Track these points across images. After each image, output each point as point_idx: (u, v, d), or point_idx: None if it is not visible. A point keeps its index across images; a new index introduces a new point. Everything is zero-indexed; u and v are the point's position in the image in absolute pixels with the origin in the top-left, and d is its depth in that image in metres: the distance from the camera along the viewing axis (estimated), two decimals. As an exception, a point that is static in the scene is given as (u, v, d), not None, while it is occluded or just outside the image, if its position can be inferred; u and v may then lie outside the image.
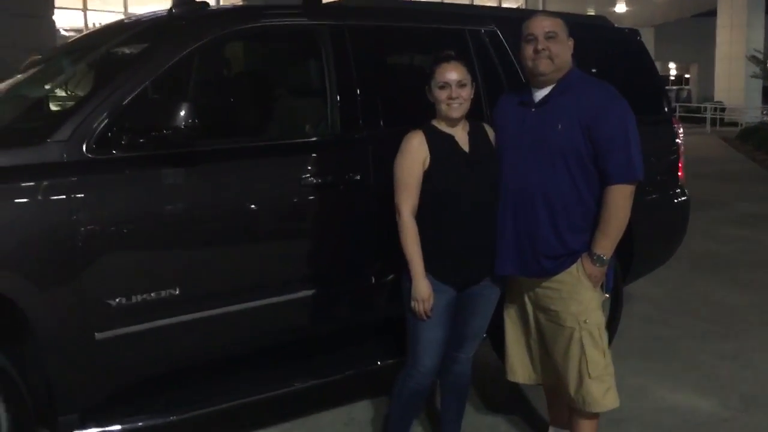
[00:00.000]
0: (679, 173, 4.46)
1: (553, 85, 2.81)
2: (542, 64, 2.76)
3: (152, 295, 2.71)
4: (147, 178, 2.74)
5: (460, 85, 2.82)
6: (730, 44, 27.35)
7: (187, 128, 2.60)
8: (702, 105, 28.13)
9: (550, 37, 2.75)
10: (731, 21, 27.56)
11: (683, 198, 4.49)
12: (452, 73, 2.82)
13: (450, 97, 2.81)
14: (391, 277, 3.23)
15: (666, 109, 4.47)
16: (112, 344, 2.67)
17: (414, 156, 2.82)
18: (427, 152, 2.82)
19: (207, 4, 3.17)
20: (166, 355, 2.86)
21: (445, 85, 2.81)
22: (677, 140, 4.44)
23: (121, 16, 18.17)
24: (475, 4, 20.56)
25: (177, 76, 2.93)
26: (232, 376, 3.12)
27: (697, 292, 5.74)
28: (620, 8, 28.98)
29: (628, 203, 2.75)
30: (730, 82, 27.61)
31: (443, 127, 2.89)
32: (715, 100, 27.81)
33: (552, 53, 2.75)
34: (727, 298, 5.61)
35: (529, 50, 2.79)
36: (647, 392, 3.85)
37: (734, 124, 24.85)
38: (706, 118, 25.19)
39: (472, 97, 2.87)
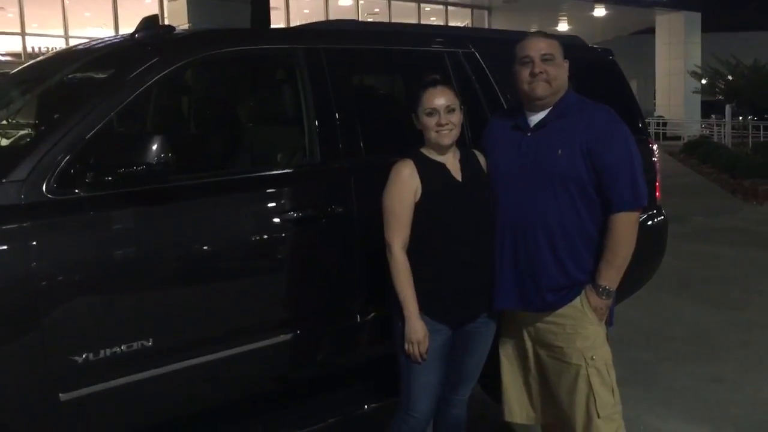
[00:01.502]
0: (657, 193, 4.39)
1: (549, 109, 2.68)
2: (540, 87, 2.62)
3: (123, 348, 2.44)
4: (115, 219, 2.48)
5: (449, 110, 2.66)
6: (669, 61, 28.18)
7: (159, 163, 2.37)
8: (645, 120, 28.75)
9: (546, 59, 2.62)
10: (670, 39, 28.42)
11: (661, 218, 4.42)
12: (440, 99, 2.67)
13: (439, 124, 2.65)
14: (375, 315, 3.03)
15: (641, 129, 4.40)
16: (80, 405, 2.40)
17: (405, 187, 2.64)
18: (419, 182, 2.65)
19: (172, 27, 2.94)
20: (138, 413, 2.59)
21: (433, 112, 2.65)
22: (653, 159, 4.37)
23: (62, 41, 17.57)
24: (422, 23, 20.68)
25: (143, 107, 2.69)
26: (205, 429, 2.87)
27: (671, 312, 5.70)
28: (562, 27, 29.59)
29: (634, 231, 2.63)
30: (670, 98, 28.41)
31: (433, 155, 2.72)
32: (656, 114, 28.52)
33: (549, 76, 2.62)
34: (701, 317, 5.58)
35: (525, 73, 2.65)
36: (638, 421, 3.72)
37: (677, 138, 25.47)
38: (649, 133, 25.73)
39: (461, 122, 2.71)
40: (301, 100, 2.99)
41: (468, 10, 23.93)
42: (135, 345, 2.47)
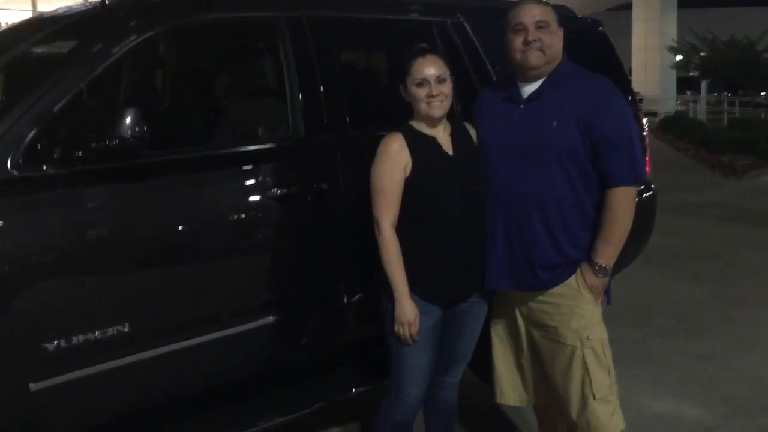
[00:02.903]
0: (646, 167, 4.31)
1: (543, 79, 2.56)
2: (533, 56, 2.50)
3: (97, 334, 2.31)
4: (86, 197, 2.33)
5: (440, 80, 2.53)
6: (645, 37, 28.16)
7: (134, 137, 2.21)
8: (621, 96, 28.80)
9: (540, 26, 2.49)
10: (646, 15, 28.38)
11: (650, 193, 4.35)
12: (430, 68, 2.53)
13: (430, 95, 2.52)
14: (363, 295, 2.92)
15: (631, 101, 4.30)
16: (51, 395, 2.26)
17: (394, 162, 2.51)
18: (409, 157, 2.52)
19: (146, -6, 2.76)
20: (115, 402, 2.46)
21: (423, 82, 2.52)
22: (644, 133, 4.28)
23: (30, 14, 17.04)
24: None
25: (115, 79, 2.53)
26: (187, 417, 2.75)
27: (657, 288, 5.66)
28: (538, 2, 29.44)
29: (631, 207, 2.53)
30: (646, 74, 28.44)
31: (423, 128, 2.60)
32: (632, 90, 28.57)
33: (543, 44, 2.49)
34: (688, 292, 5.55)
35: (517, 41, 2.52)
36: (629, 401, 3.63)
37: (653, 114, 25.56)
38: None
39: (452, 93, 2.58)
40: (283, 71, 2.84)
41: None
42: (110, 331, 2.33)
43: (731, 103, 20.63)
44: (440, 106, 2.54)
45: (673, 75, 27.22)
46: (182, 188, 2.52)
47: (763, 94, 21.16)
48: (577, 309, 2.57)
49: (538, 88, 2.56)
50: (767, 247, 6.93)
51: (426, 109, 2.54)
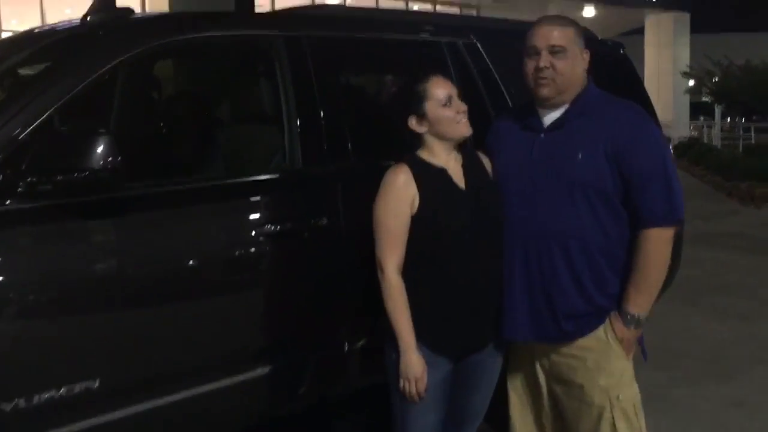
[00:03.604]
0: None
1: (566, 106, 2.29)
2: (543, 86, 2.24)
3: (63, 391, 2.03)
4: (52, 234, 2.08)
5: (459, 97, 2.33)
6: (658, 62, 27.96)
7: (106, 169, 1.96)
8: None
9: (555, 51, 2.23)
10: (658, 39, 28.22)
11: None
12: (449, 87, 2.33)
13: (458, 112, 2.30)
14: (367, 341, 2.64)
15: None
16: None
17: (400, 197, 2.25)
18: (416, 191, 2.26)
19: (131, 10, 2.53)
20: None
21: (448, 100, 2.29)
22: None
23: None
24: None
25: (93, 102, 2.28)
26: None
27: (680, 326, 5.33)
28: (551, 27, 29.36)
29: (667, 250, 2.25)
30: (659, 99, 28.16)
31: (432, 158, 2.34)
32: (645, 116, 28.32)
33: (556, 72, 2.23)
34: (713, 330, 5.23)
35: (530, 67, 2.27)
36: (657, 455, 3.35)
37: (666, 139, 25.28)
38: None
39: None
40: (280, 94, 2.60)
41: (456, 9, 23.61)
42: (78, 387, 2.06)
43: (746, 129, 20.30)
44: (468, 124, 2.33)
45: (686, 100, 26.97)
46: (163, 225, 2.26)
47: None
48: (606, 364, 2.29)
49: (561, 116, 2.30)
50: (792, 281, 6.61)
51: (456, 129, 2.32)
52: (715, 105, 21.87)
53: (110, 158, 1.95)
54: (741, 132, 19.96)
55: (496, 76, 3.15)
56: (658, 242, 2.22)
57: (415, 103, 2.31)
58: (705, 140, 21.14)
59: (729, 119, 23.51)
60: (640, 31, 29.57)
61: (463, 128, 2.32)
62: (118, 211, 2.14)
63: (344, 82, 2.96)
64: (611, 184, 2.23)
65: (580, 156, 2.23)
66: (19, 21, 18.04)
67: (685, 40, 28.00)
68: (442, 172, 2.33)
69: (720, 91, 19.42)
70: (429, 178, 2.30)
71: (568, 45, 2.25)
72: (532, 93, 2.33)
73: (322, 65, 2.63)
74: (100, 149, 1.94)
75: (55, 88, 2.13)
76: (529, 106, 2.41)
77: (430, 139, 2.34)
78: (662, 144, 2.27)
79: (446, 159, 2.35)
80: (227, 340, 2.38)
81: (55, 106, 2.09)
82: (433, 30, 3.10)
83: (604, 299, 2.29)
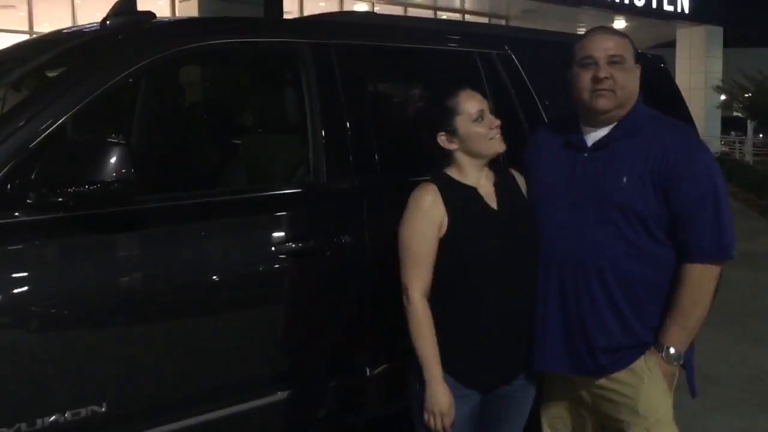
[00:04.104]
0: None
1: (613, 124, 2.14)
2: (602, 99, 2.08)
3: (68, 416, 1.92)
4: (63, 248, 1.98)
5: (491, 112, 2.20)
6: (690, 75, 27.50)
7: (119, 181, 1.85)
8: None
9: (614, 62, 2.08)
10: (690, 53, 27.79)
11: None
12: (480, 101, 2.19)
13: (491, 128, 2.16)
14: (389, 365, 2.51)
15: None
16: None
17: (427, 218, 2.11)
18: (444, 212, 2.12)
19: (152, 14, 2.43)
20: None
21: (480, 115, 2.16)
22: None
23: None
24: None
25: (110, 110, 2.18)
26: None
27: (715, 350, 5.11)
28: (581, 39, 29.07)
29: (712, 287, 2.09)
30: (691, 112, 27.77)
31: (462, 177, 2.20)
32: (676, 130, 27.91)
33: (617, 84, 2.08)
34: (751, 356, 5.01)
35: (585, 78, 2.10)
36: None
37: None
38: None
39: None
40: (305, 105, 2.49)
41: (485, 19, 23.46)
42: (84, 412, 1.95)
43: (779, 146, 19.90)
44: (501, 140, 2.19)
45: (718, 115, 26.53)
46: (178, 240, 2.15)
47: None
48: (646, 399, 2.13)
49: (607, 135, 2.14)
50: (832, 305, 6.35)
51: (489, 146, 2.18)
52: (748, 120, 21.46)
53: (123, 170, 1.84)
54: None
55: (531, 88, 3.01)
56: (702, 279, 2.06)
57: (444, 118, 2.17)
58: (737, 156, 20.73)
59: (761, 135, 23.05)
60: (671, 44, 29.19)
61: (496, 145, 2.19)
62: (132, 225, 2.04)
63: (372, 93, 2.84)
64: (656, 212, 2.07)
65: (624, 180, 2.08)
66: (51, 25, 18.23)
67: (718, 53, 27.55)
68: (472, 192, 2.19)
69: (753, 106, 19.05)
70: (458, 198, 2.16)
71: (627, 55, 2.11)
72: (582, 107, 2.17)
73: (349, 75, 2.51)
74: (112, 160, 1.83)
75: (70, 95, 2.03)
76: (571, 121, 2.25)
77: (460, 157, 2.20)
78: (715, 173, 2.09)
79: (477, 177, 2.21)
80: (245, 362, 2.26)
81: (69, 113, 2.00)
82: (466, 40, 2.97)
83: (645, 332, 2.13)
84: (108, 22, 2.40)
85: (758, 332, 5.54)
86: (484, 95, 2.27)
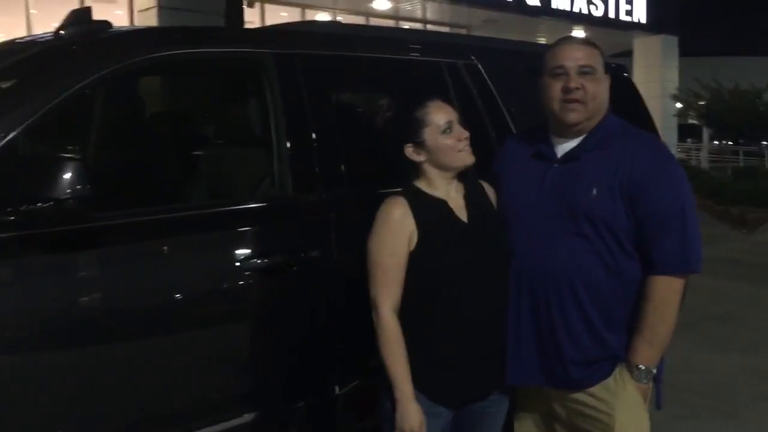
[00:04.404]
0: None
1: (583, 136, 2.12)
2: (573, 111, 2.06)
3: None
4: (15, 270, 1.87)
5: (460, 123, 2.14)
6: (647, 84, 27.94)
7: (74, 198, 1.76)
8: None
9: (585, 72, 2.06)
10: (647, 62, 28.30)
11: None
12: (449, 112, 2.15)
13: (459, 140, 2.12)
14: (360, 383, 2.44)
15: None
16: None
17: (396, 232, 2.06)
18: (414, 226, 2.07)
19: (109, 23, 2.34)
20: None
21: (449, 127, 2.11)
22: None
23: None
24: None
25: (63, 123, 2.08)
26: None
27: (680, 356, 5.13)
28: (541, 48, 29.45)
29: (677, 301, 2.07)
30: (649, 121, 28.27)
31: (431, 189, 2.15)
32: (633, 138, 28.39)
33: (587, 94, 2.05)
34: (713, 363, 5.04)
35: (555, 88, 2.08)
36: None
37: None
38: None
39: None
40: (269, 116, 2.41)
41: (447, 29, 23.59)
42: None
43: (734, 152, 20.33)
44: (470, 152, 2.15)
45: (674, 123, 27.05)
46: (138, 259, 2.05)
47: (764, 143, 20.92)
48: (622, 415, 2.09)
49: (577, 146, 2.12)
50: (790, 309, 6.47)
51: (457, 159, 2.13)
52: (704, 128, 21.91)
53: (78, 186, 1.75)
54: (729, 155, 20.00)
55: (498, 99, 2.98)
56: (667, 292, 2.04)
57: (412, 129, 2.13)
58: (693, 163, 21.14)
59: (716, 142, 23.55)
60: (628, 53, 29.71)
61: (464, 157, 2.14)
62: (87, 243, 1.94)
63: (339, 104, 2.78)
64: (626, 224, 2.05)
65: (594, 191, 2.05)
66: (7, 34, 17.81)
67: (674, 63, 28.12)
68: (442, 205, 2.15)
69: (708, 114, 19.47)
70: (428, 211, 2.11)
71: (597, 66, 2.09)
72: (553, 118, 2.14)
73: (315, 85, 2.45)
74: (66, 176, 1.74)
75: (22, 107, 1.94)
76: (541, 132, 2.23)
77: (428, 169, 2.15)
78: (683, 185, 2.08)
79: (447, 189, 2.17)
80: (209, 384, 2.17)
81: (21, 127, 1.89)
82: (433, 50, 2.93)
83: (616, 345, 2.11)
84: (62, 32, 2.30)
85: (720, 338, 5.60)
86: (452, 105, 2.23)
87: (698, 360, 5.10)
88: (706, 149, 21.91)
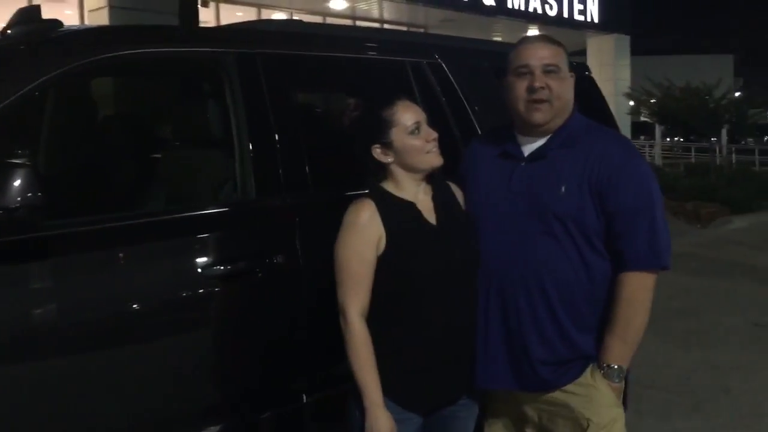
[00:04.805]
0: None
1: (549, 136, 2.09)
2: (539, 111, 2.04)
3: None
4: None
5: (427, 123, 2.09)
6: (600, 82, 28.20)
7: (25, 206, 1.67)
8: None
9: (550, 71, 2.04)
10: (600, 60, 28.72)
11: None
12: (417, 111, 2.10)
13: (427, 141, 2.07)
14: (328, 391, 2.38)
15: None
16: None
17: (364, 236, 2.01)
18: (382, 230, 2.03)
19: (59, 22, 2.24)
20: None
21: (417, 128, 2.06)
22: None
23: None
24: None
25: (10, 128, 1.98)
26: None
27: (642, 353, 5.17)
28: (496, 47, 29.68)
29: (648, 298, 2.06)
30: (604, 119, 28.72)
31: (399, 191, 2.10)
32: (587, 135, 28.84)
33: (552, 93, 2.03)
34: (673, 358, 5.12)
35: (520, 88, 2.05)
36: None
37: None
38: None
39: None
40: (230, 118, 2.33)
41: (404, 29, 23.62)
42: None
43: (685, 149, 20.78)
44: (438, 153, 2.10)
45: (628, 121, 27.53)
46: (91, 269, 1.96)
47: (714, 139, 21.45)
48: (595, 414, 2.08)
49: (544, 145, 2.10)
50: (745, 303, 6.61)
51: (425, 160, 2.08)
52: (656, 125, 22.33)
53: (29, 194, 1.66)
54: (681, 152, 20.44)
55: (463, 98, 2.95)
56: (637, 289, 2.03)
57: (379, 130, 2.08)
58: (647, 160, 21.56)
59: (668, 139, 24.05)
60: (582, 52, 30.14)
61: (432, 159, 2.10)
62: (40, 253, 1.84)
63: (302, 105, 2.71)
64: (595, 221, 2.03)
65: (563, 189, 2.03)
66: None
67: (626, 61, 28.61)
68: (410, 207, 2.10)
69: (660, 111, 19.84)
70: (396, 213, 2.06)
71: (562, 65, 2.07)
72: (518, 118, 2.12)
73: (277, 85, 2.38)
74: (16, 184, 1.64)
75: (-34, 110, 1.83)
76: (507, 131, 2.20)
77: (396, 170, 2.11)
78: (650, 181, 2.07)
79: (415, 191, 2.13)
80: (171, 397, 2.09)
81: (-35, 132, 1.79)
82: (397, 49, 2.89)
83: (586, 345, 2.09)
84: (9, 32, 2.19)
85: (680, 333, 5.68)
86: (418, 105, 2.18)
87: (660, 356, 5.15)
88: (659, 146, 22.36)
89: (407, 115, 2.06)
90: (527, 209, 2.07)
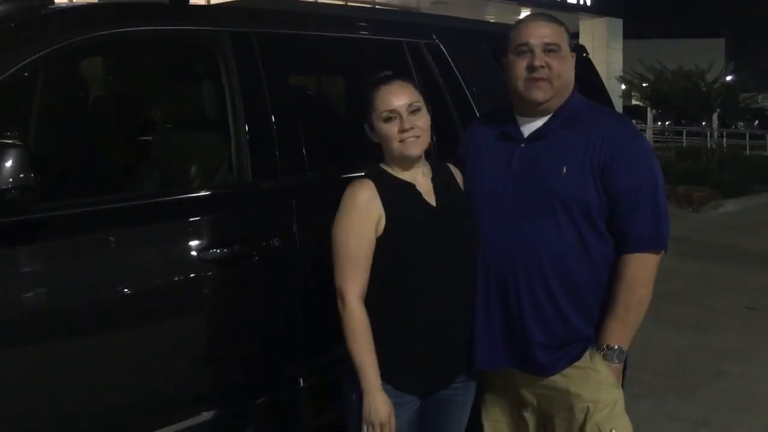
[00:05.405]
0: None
1: (549, 115, 2.06)
2: (539, 89, 2.00)
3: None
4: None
5: (412, 110, 2.02)
6: (593, 66, 28.38)
7: (17, 188, 1.63)
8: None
9: (550, 50, 2.01)
10: (593, 44, 28.64)
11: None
12: (399, 97, 2.02)
13: (402, 130, 2.00)
14: (324, 377, 2.37)
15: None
16: None
17: (363, 217, 1.98)
18: (381, 210, 1.99)
19: (50, 0, 2.18)
20: None
21: (392, 115, 2.00)
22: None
23: None
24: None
25: (2, 107, 1.93)
26: None
27: (634, 336, 5.21)
28: (488, 30, 29.57)
29: (651, 279, 2.05)
30: (597, 102, 28.72)
31: (398, 172, 2.07)
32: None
33: (553, 72, 2.00)
34: (669, 341, 5.12)
35: (520, 66, 2.02)
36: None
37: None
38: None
39: (429, 124, 2.07)
40: (225, 99, 2.29)
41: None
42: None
43: (677, 133, 20.78)
44: (417, 143, 2.03)
45: (620, 104, 27.54)
46: (84, 252, 1.93)
47: (705, 123, 21.47)
48: (595, 396, 2.07)
49: (544, 125, 2.07)
50: (739, 286, 6.63)
51: (400, 148, 2.02)
52: (648, 109, 22.29)
53: (21, 175, 1.62)
54: (673, 135, 20.44)
55: (461, 79, 2.91)
56: (641, 270, 2.01)
57: (365, 110, 2.05)
58: (640, 143, 21.55)
59: (659, 123, 24.03)
60: (574, 36, 30.07)
61: (405, 148, 2.02)
62: (33, 236, 1.80)
63: (299, 86, 2.67)
64: (596, 202, 2.01)
65: (564, 170, 2.01)
66: None
67: (618, 45, 28.58)
68: (409, 188, 2.07)
69: (653, 95, 19.80)
70: (396, 194, 2.03)
71: (562, 44, 2.04)
72: (517, 97, 2.08)
73: (274, 66, 2.34)
74: (8, 164, 1.60)
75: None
76: (506, 112, 2.17)
77: (385, 152, 2.07)
78: (653, 161, 2.05)
79: (414, 173, 2.09)
80: (167, 381, 2.06)
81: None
82: (395, 29, 2.84)
83: (586, 328, 2.08)
84: (-2, 9, 2.14)
85: (672, 316, 5.69)
86: (414, 85, 2.13)
87: (653, 339, 5.16)
88: (650, 130, 22.31)
89: (385, 102, 2.00)
90: (528, 190, 2.04)
